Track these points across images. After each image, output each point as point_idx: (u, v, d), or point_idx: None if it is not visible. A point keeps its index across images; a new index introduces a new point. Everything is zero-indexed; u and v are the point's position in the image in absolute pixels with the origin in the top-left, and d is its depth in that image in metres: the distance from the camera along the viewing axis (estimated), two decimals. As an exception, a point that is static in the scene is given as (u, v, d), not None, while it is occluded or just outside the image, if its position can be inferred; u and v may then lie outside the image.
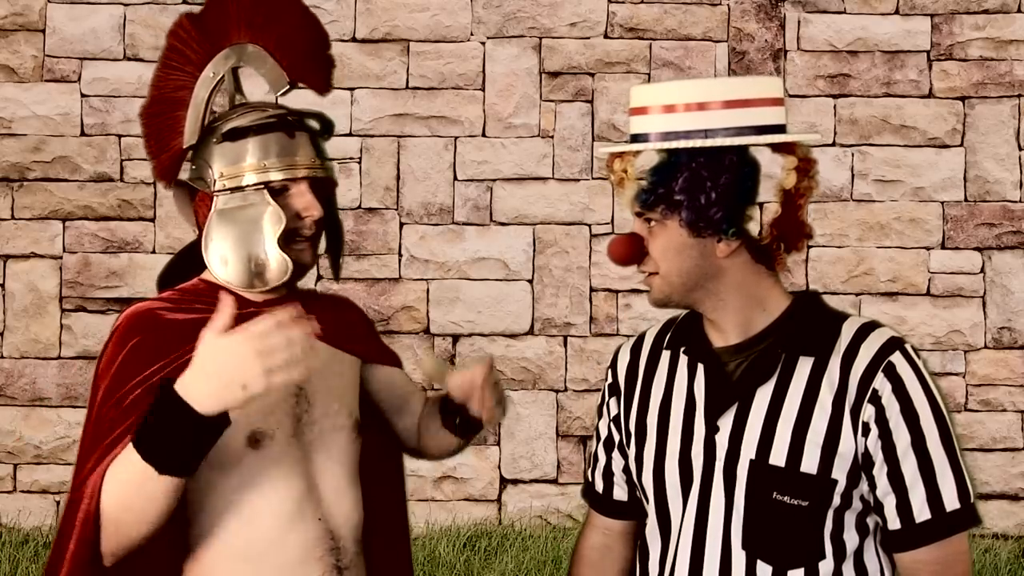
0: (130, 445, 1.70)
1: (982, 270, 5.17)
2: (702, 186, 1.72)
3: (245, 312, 1.93)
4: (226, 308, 1.68)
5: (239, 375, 1.64)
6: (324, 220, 1.97)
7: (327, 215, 1.99)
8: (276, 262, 1.92)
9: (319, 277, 4.76)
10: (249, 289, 1.95)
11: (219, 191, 1.93)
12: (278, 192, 1.93)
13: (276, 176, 1.92)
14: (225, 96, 2.04)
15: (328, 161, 2.01)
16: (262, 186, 1.91)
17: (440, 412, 2.18)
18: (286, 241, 1.92)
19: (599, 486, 2.00)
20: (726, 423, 1.76)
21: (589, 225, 5.18)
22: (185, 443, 1.68)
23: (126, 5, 5.14)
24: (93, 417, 1.84)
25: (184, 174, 2.02)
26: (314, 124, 2.02)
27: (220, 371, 1.64)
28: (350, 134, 5.11)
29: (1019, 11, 5.19)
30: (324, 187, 2.00)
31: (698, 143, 1.71)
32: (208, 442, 1.70)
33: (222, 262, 1.93)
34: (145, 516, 1.71)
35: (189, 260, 2.02)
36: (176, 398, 1.65)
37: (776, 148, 1.80)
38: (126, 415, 1.80)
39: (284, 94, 2.02)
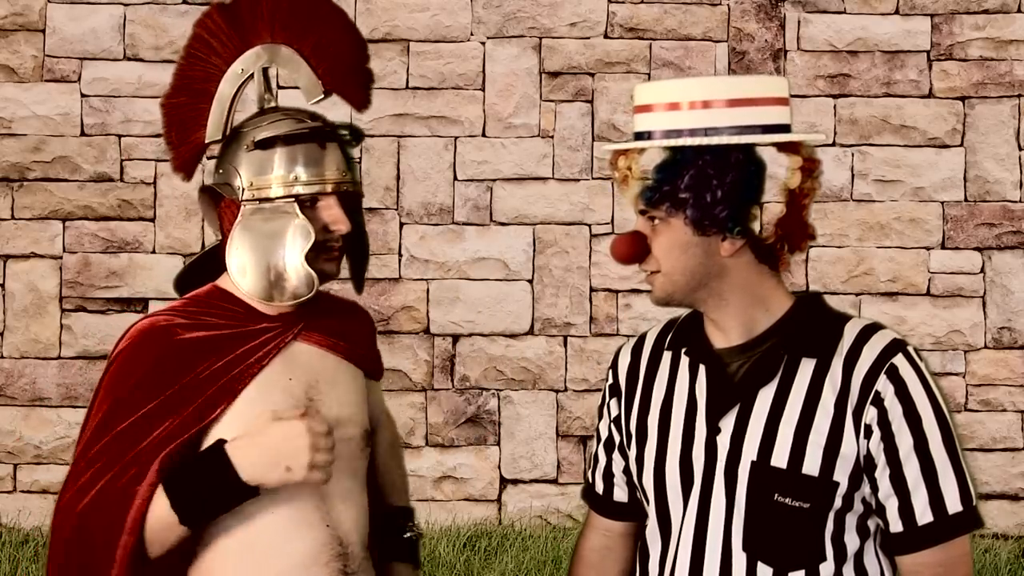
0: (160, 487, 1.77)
1: (982, 270, 5.17)
2: (708, 184, 1.71)
3: (257, 327, 1.93)
4: (300, 415, 1.82)
5: (288, 458, 1.78)
6: (350, 233, 1.95)
7: (353, 227, 1.96)
8: (299, 277, 1.89)
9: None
10: (267, 301, 1.92)
11: (247, 200, 1.90)
12: (306, 203, 1.91)
13: (305, 190, 1.90)
14: (253, 93, 2.01)
15: (356, 172, 1.98)
16: (292, 199, 1.89)
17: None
18: (313, 254, 1.90)
19: (599, 487, 2.00)
20: (727, 424, 1.76)
21: (589, 225, 5.18)
22: (217, 502, 1.78)
23: (126, 5, 5.14)
24: (92, 426, 1.84)
25: (200, 173, 2.00)
26: (345, 133, 1.99)
27: (273, 449, 1.78)
28: (350, 134, 5.10)
29: (1019, 11, 5.19)
30: (351, 198, 1.98)
31: (702, 141, 1.71)
32: (232, 506, 1.80)
33: (241, 272, 1.90)
34: (150, 550, 1.80)
35: (211, 262, 2.00)
36: (225, 459, 1.76)
37: (781, 148, 1.79)
38: (144, 436, 1.82)
39: (317, 103, 1.99)
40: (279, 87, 2.08)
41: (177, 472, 1.78)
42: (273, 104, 2.01)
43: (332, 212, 1.92)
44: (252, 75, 1.98)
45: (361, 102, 2.02)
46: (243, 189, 1.91)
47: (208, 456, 1.78)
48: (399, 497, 2.20)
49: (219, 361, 1.87)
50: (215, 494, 1.78)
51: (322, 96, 1.98)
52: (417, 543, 2.17)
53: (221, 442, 1.79)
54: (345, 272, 2.05)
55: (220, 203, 1.96)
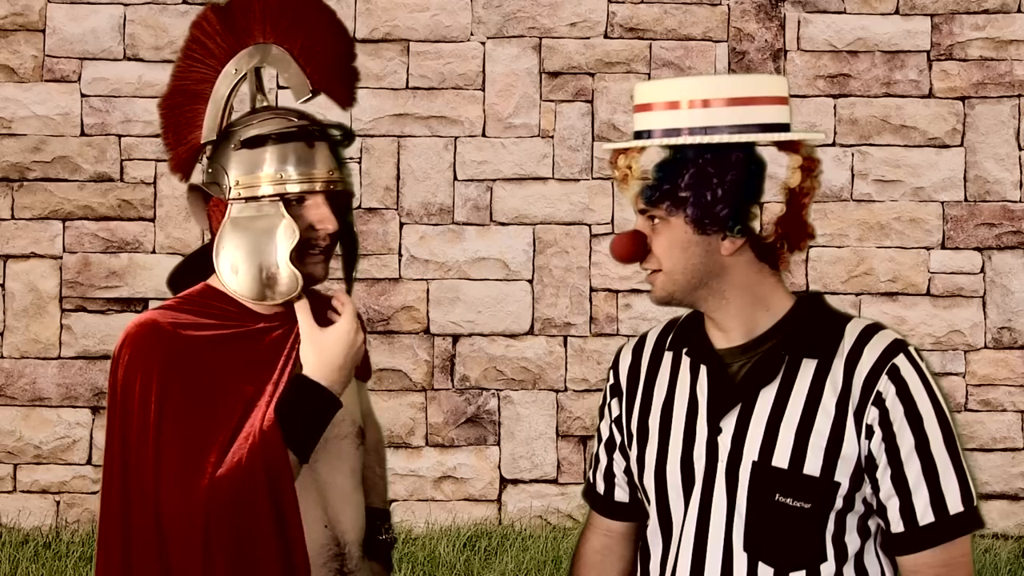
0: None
1: (982, 270, 5.17)
2: (708, 183, 1.71)
3: (252, 327, 1.92)
4: (304, 307, 1.90)
5: (354, 358, 1.88)
6: (339, 232, 1.95)
7: (342, 227, 1.96)
8: (287, 276, 1.89)
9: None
10: (259, 301, 1.92)
11: (234, 199, 1.90)
12: (294, 203, 1.90)
13: (293, 188, 1.90)
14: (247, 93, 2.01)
15: (346, 171, 1.98)
16: (278, 198, 1.89)
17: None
18: (299, 253, 1.90)
19: (600, 487, 2.00)
20: (729, 425, 1.76)
21: (589, 225, 5.18)
22: (320, 426, 1.85)
23: (126, 5, 5.14)
24: (152, 428, 1.82)
25: (197, 175, 2.00)
26: (335, 133, 1.99)
27: (338, 358, 1.86)
28: (350, 134, 5.10)
29: (1019, 11, 5.19)
30: (341, 198, 1.98)
31: (702, 139, 1.71)
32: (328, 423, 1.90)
33: (232, 271, 1.91)
34: None
35: (201, 262, 2.00)
36: (318, 388, 1.82)
37: (781, 147, 1.79)
38: (220, 423, 1.83)
39: (306, 102, 1.99)
40: (279, 87, 2.08)
41: (286, 416, 1.81)
42: (266, 103, 2.01)
43: (319, 211, 1.91)
44: (246, 75, 1.98)
45: (345, 100, 2.03)
46: (230, 188, 1.91)
47: (305, 394, 1.83)
48: (377, 499, 2.19)
49: (237, 362, 1.87)
50: (320, 421, 1.85)
51: (310, 95, 1.99)
52: (391, 546, 2.16)
53: (303, 378, 1.84)
54: (336, 272, 2.05)
55: (209, 202, 1.96)
